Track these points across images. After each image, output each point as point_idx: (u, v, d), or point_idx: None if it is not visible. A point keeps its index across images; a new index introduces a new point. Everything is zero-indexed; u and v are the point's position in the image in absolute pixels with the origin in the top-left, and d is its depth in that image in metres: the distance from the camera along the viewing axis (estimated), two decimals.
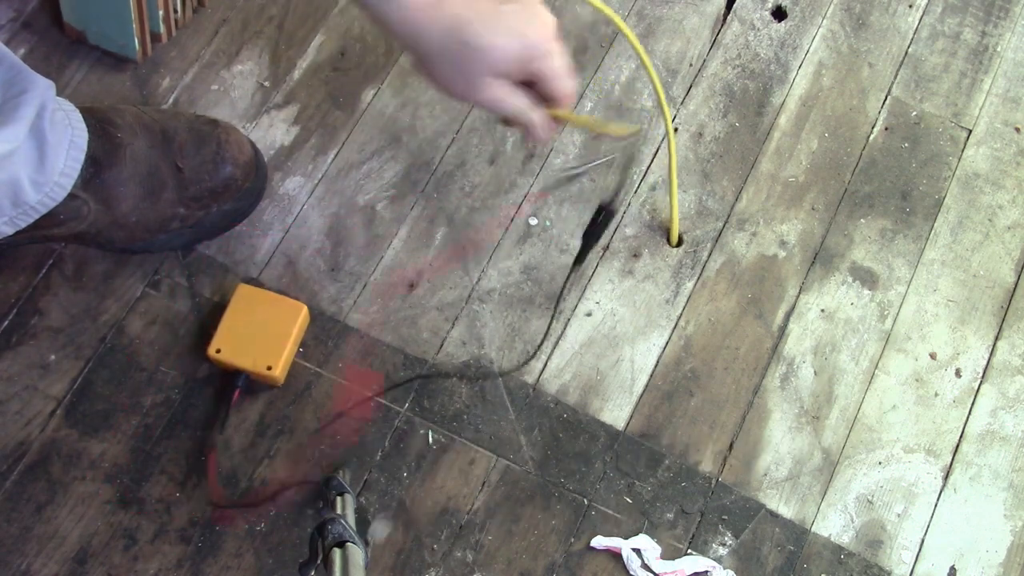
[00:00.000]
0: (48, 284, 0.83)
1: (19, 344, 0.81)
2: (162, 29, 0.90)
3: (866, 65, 0.97)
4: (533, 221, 0.89)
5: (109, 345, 0.82)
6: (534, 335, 0.85)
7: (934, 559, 0.81)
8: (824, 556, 0.81)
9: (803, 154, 0.93)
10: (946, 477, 0.84)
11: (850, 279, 0.89)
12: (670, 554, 0.80)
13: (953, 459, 0.85)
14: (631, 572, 0.78)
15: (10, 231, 0.75)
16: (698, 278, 0.88)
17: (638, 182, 0.91)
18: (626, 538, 0.79)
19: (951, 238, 0.92)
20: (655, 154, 0.92)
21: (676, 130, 0.93)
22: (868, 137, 0.94)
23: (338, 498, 0.72)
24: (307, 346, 0.83)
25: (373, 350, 0.83)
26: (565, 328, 0.86)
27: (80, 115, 0.76)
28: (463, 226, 0.88)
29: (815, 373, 0.86)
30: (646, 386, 0.84)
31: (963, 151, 0.95)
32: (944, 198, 0.93)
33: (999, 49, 0.99)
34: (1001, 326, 0.89)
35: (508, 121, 0.69)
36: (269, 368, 0.78)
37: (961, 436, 0.85)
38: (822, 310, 0.88)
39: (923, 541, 0.82)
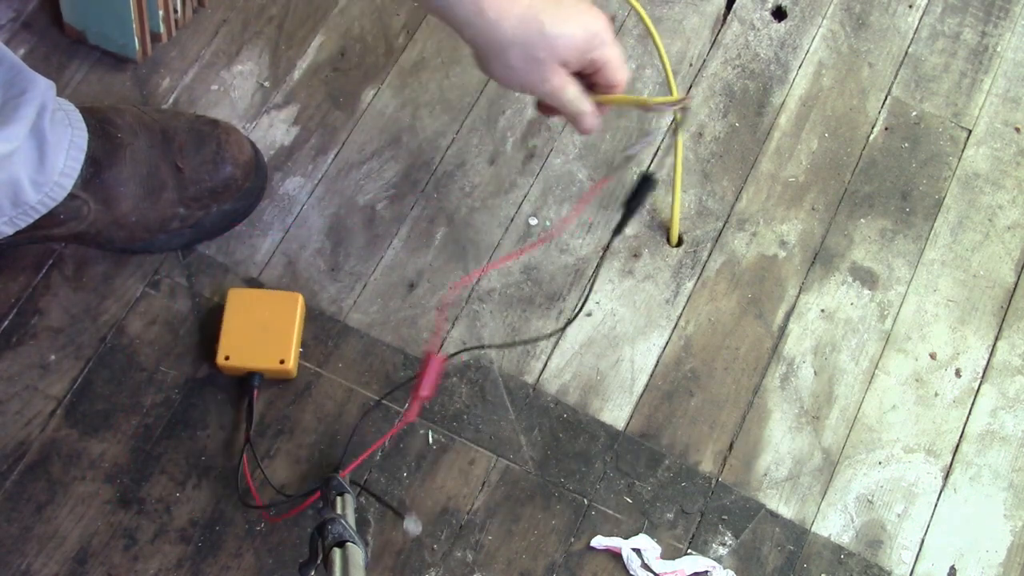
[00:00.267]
0: (48, 284, 0.83)
1: (19, 344, 0.81)
2: (162, 29, 0.90)
3: (866, 65, 0.97)
4: (533, 221, 0.89)
5: (109, 345, 0.82)
6: (534, 335, 0.85)
7: (934, 559, 0.81)
8: (824, 556, 0.81)
9: (803, 154, 0.93)
10: (946, 477, 0.84)
11: (850, 279, 0.89)
12: (670, 554, 0.80)
13: (953, 459, 0.85)
14: (631, 572, 0.78)
15: (10, 231, 0.75)
16: (698, 278, 0.88)
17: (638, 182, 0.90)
18: (626, 538, 0.79)
19: (951, 238, 0.92)
20: (655, 154, 0.92)
21: (676, 130, 0.93)
22: (868, 137, 0.94)
23: (338, 498, 0.72)
24: (307, 346, 0.83)
25: (373, 350, 0.83)
26: (565, 328, 0.85)
27: (80, 115, 0.76)
28: (463, 226, 0.88)
29: (815, 373, 0.86)
30: (646, 386, 0.84)
31: (963, 151, 0.95)
32: (944, 198, 0.93)
33: (999, 49, 0.99)
34: (1001, 326, 0.89)
35: (549, 109, 0.72)
36: (282, 362, 0.79)
37: (961, 436, 0.85)
38: (822, 310, 0.88)
39: (923, 541, 0.82)
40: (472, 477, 0.80)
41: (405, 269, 0.86)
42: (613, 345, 0.85)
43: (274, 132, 0.90)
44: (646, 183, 0.75)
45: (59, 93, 0.74)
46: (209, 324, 0.82)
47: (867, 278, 0.90)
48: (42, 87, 0.71)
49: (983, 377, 0.87)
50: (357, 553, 0.63)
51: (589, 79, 0.70)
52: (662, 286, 0.88)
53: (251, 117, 0.90)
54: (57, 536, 0.76)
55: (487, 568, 0.78)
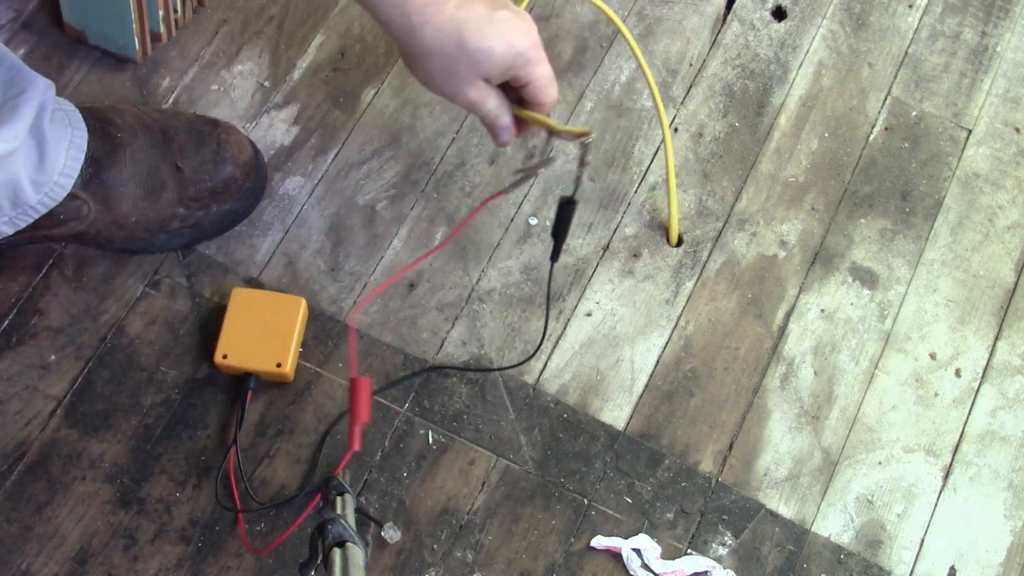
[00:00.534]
0: (48, 284, 0.83)
1: (19, 344, 0.81)
2: (162, 29, 0.90)
3: (866, 65, 0.97)
4: (533, 221, 0.89)
5: (109, 345, 0.82)
6: (534, 335, 0.85)
7: (934, 559, 0.81)
8: (824, 556, 0.81)
9: (803, 154, 0.93)
10: (946, 477, 0.84)
11: (850, 279, 0.89)
12: (670, 554, 0.80)
13: (953, 459, 0.85)
14: (631, 572, 0.78)
15: (10, 231, 0.75)
16: (698, 278, 0.88)
17: (638, 182, 0.91)
18: (626, 538, 0.79)
19: (951, 238, 0.92)
20: (655, 154, 0.92)
21: (676, 130, 0.93)
22: (868, 137, 0.94)
23: (338, 498, 0.72)
24: (307, 346, 0.83)
25: (373, 350, 0.83)
26: (565, 328, 0.86)
27: (80, 115, 0.76)
28: (463, 227, 0.88)
29: (815, 373, 0.86)
30: (646, 386, 0.84)
31: (963, 151, 0.95)
32: (944, 198, 0.93)
33: (999, 49, 0.99)
34: (1001, 326, 0.89)
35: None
36: (279, 365, 0.79)
37: (961, 436, 0.85)
38: (822, 310, 0.88)
39: (923, 541, 0.82)
40: (472, 477, 0.80)
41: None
42: (613, 345, 0.85)
43: (274, 132, 0.90)
44: (566, 208, 0.73)
45: (59, 93, 0.74)
46: (209, 324, 0.82)
47: (867, 278, 0.90)
48: (42, 87, 0.71)
49: (983, 377, 0.87)
50: (357, 553, 0.63)
51: (517, 92, 0.69)
52: (662, 286, 0.88)
53: (251, 117, 0.90)
54: (57, 536, 0.76)
55: (487, 568, 0.78)
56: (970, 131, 0.96)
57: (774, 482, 0.82)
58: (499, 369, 0.83)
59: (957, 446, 0.85)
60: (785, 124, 0.94)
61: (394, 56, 0.93)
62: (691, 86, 0.95)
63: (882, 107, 0.96)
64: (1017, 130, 0.96)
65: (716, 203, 0.91)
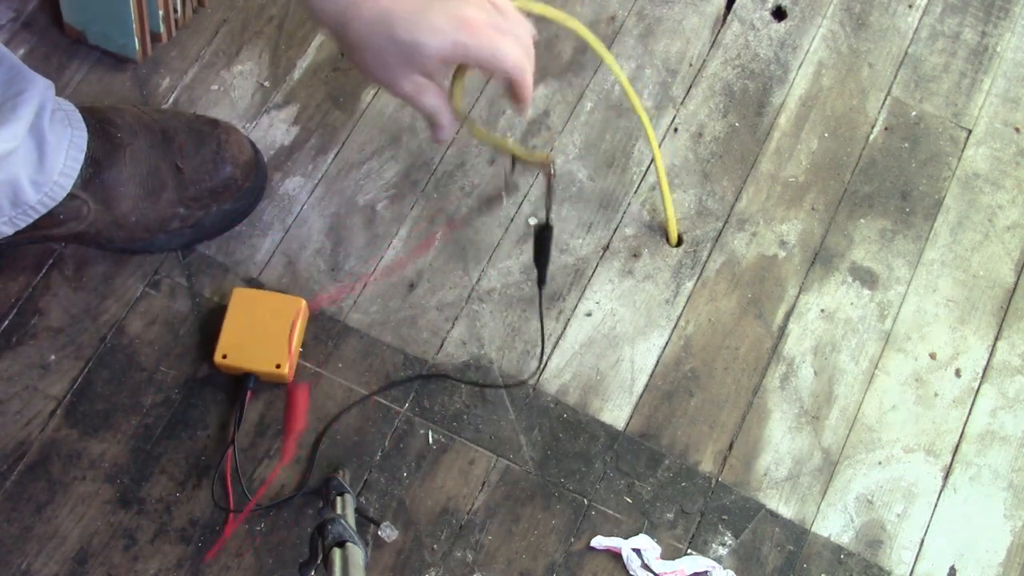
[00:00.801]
0: (48, 284, 0.83)
1: (19, 344, 0.81)
2: (162, 29, 0.90)
3: (866, 65, 0.97)
4: (533, 221, 0.89)
5: (109, 345, 0.82)
6: (534, 335, 0.85)
7: (934, 559, 0.81)
8: (824, 556, 0.81)
9: (803, 154, 0.93)
10: (946, 477, 0.84)
11: (850, 279, 0.89)
12: (670, 554, 0.80)
13: (953, 459, 0.85)
14: (631, 572, 0.78)
15: (10, 231, 0.75)
16: (698, 278, 0.88)
17: (638, 182, 0.91)
18: (626, 538, 0.79)
19: (951, 238, 0.92)
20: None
21: (676, 130, 0.93)
22: (868, 137, 0.94)
23: (338, 498, 0.72)
24: (307, 346, 0.83)
25: (373, 350, 0.83)
26: (565, 328, 0.86)
27: (80, 115, 0.76)
28: (463, 226, 0.88)
29: (815, 373, 0.86)
30: (646, 386, 0.84)
31: (963, 151, 0.95)
32: (944, 198, 0.93)
33: (999, 49, 0.99)
34: (1001, 326, 0.89)
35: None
36: (278, 366, 0.79)
37: (961, 436, 0.85)
38: (822, 310, 0.88)
39: (923, 541, 0.82)
40: (472, 477, 0.80)
41: (405, 269, 0.86)
42: (613, 345, 0.85)
43: (274, 132, 0.90)
44: (542, 234, 0.72)
45: (59, 93, 0.74)
46: (209, 324, 0.82)
47: (867, 278, 0.90)
48: (41, 87, 0.71)
49: (983, 377, 0.87)
50: (357, 553, 0.63)
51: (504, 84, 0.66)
52: (662, 286, 0.88)
53: (251, 117, 0.90)
54: (57, 536, 0.76)
55: (487, 568, 0.78)
56: (970, 131, 0.96)
57: (774, 482, 0.82)
58: (505, 386, 0.82)
59: (957, 446, 0.85)
60: (785, 124, 0.94)
61: None
62: (691, 86, 0.95)
63: (882, 107, 0.96)
64: (1017, 130, 0.96)
65: (716, 203, 0.91)
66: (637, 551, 0.79)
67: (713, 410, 0.84)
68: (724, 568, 0.79)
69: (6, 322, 0.82)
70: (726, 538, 0.80)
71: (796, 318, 0.88)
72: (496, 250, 0.88)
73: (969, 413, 0.86)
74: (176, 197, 0.80)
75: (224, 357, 0.79)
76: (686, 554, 0.80)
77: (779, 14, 0.99)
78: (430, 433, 0.81)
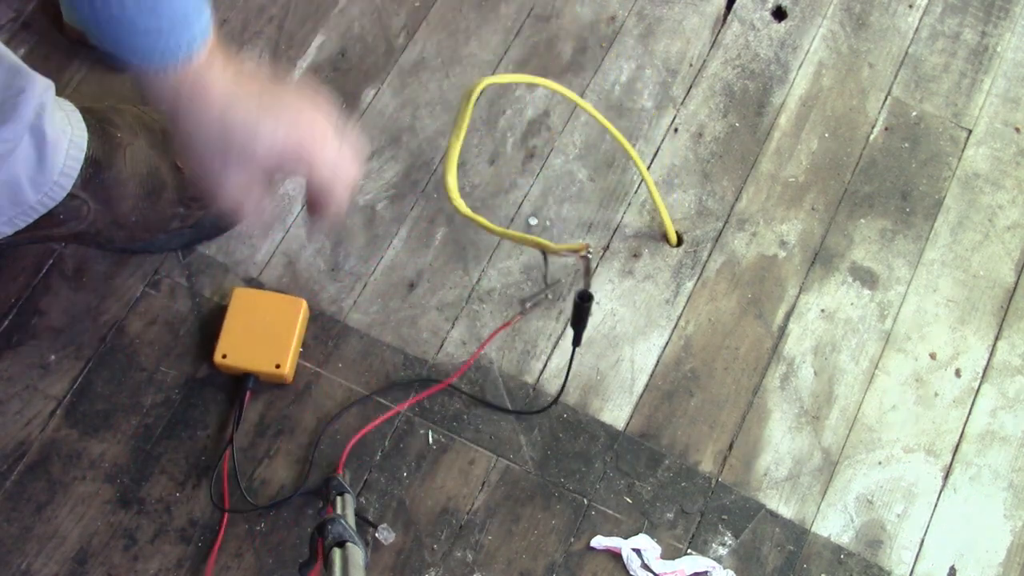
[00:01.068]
0: (48, 284, 0.83)
1: (19, 344, 0.81)
2: None
3: (866, 65, 0.97)
4: (533, 221, 0.89)
5: (109, 345, 0.82)
6: (534, 335, 0.85)
7: (934, 559, 0.81)
8: (824, 556, 0.81)
9: (803, 154, 0.93)
10: (946, 477, 0.84)
11: (850, 279, 0.89)
12: (670, 554, 0.80)
13: (953, 459, 0.85)
14: (631, 572, 0.78)
15: (9, 231, 0.75)
16: (698, 278, 0.88)
17: (638, 182, 0.91)
18: (626, 538, 0.79)
19: (951, 238, 0.92)
20: (655, 154, 0.92)
21: (676, 130, 0.93)
22: (868, 137, 0.94)
23: (338, 498, 0.72)
24: (307, 346, 0.83)
25: (373, 350, 0.83)
26: (565, 328, 0.85)
27: (80, 115, 0.76)
28: (463, 226, 0.88)
29: (815, 373, 0.86)
30: (646, 386, 0.84)
31: (963, 151, 0.95)
32: (944, 198, 0.93)
33: (999, 49, 0.99)
34: (1001, 326, 0.89)
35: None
36: (278, 367, 0.79)
37: (961, 436, 0.85)
38: (822, 310, 0.88)
39: (923, 541, 0.82)
40: (472, 477, 0.80)
41: (405, 269, 0.86)
42: (613, 345, 0.85)
43: None
44: (582, 303, 0.73)
45: (59, 93, 0.74)
46: (209, 324, 0.82)
47: (867, 278, 0.90)
48: (41, 87, 0.71)
49: (983, 377, 0.87)
50: (357, 553, 0.63)
51: None
52: (662, 286, 0.88)
53: None
54: (57, 536, 0.76)
55: (487, 568, 0.78)
56: (970, 131, 0.96)
57: (774, 482, 0.82)
58: (516, 412, 0.82)
59: (957, 446, 0.85)
60: (785, 124, 0.94)
61: (394, 56, 0.93)
62: (691, 86, 0.95)
63: (882, 107, 0.96)
64: (1017, 130, 0.96)
65: (716, 203, 0.91)
66: (637, 551, 0.79)
67: (713, 410, 0.84)
68: (724, 568, 0.79)
69: (6, 322, 0.82)
70: (726, 538, 0.80)
71: (796, 318, 0.88)
72: (496, 250, 0.88)
73: (969, 413, 0.86)
74: (176, 197, 0.80)
75: (224, 357, 0.79)
76: (686, 554, 0.80)
77: (779, 14, 0.99)
78: (430, 433, 0.81)
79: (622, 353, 0.85)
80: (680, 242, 0.89)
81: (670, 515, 0.81)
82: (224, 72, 0.61)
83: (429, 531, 0.79)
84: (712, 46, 0.97)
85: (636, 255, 0.88)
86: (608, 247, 0.88)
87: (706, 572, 0.79)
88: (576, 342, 0.76)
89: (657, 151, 0.92)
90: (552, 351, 0.85)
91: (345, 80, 0.92)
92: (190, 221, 0.82)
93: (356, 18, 0.95)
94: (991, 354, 0.88)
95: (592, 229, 0.89)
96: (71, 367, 0.81)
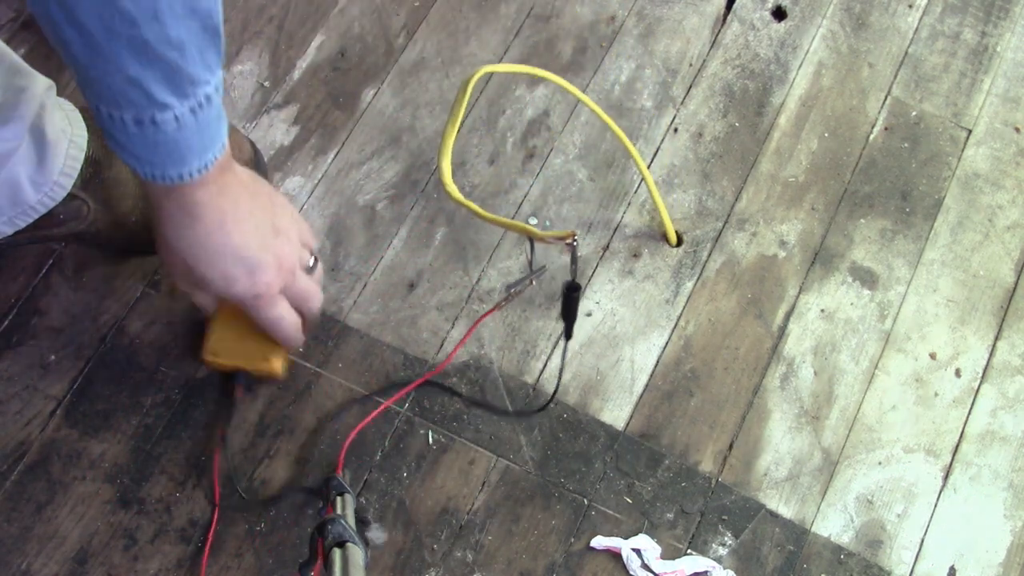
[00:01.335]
0: (48, 284, 0.83)
1: (19, 344, 0.81)
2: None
3: (866, 65, 0.97)
4: (533, 221, 0.89)
5: (109, 345, 0.82)
6: (534, 335, 0.85)
7: (934, 559, 0.81)
8: (824, 556, 0.81)
9: (803, 154, 0.93)
10: (946, 477, 0.84)
11: (850, 279, 0.89)
12: (670, 554, 0.80)
13: (953, 459, 0.85)
14: (631, 572, 0.78)
15: (9, 231, 0.74)
16: (698, 278, 0.88)
17: (638, 182, 0.91)
18: (626, 538, 0.79)
19: (951, 238, 0.92)
20: (655, 154, 0.92)
21: (676, 130, 0.93)
22: (868, 137, 0.94)
23: (338, 498, 0.72)
24: (307, 346, 0.83)
25: (373, 350, 0.83)
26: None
27: (80, 115, 0.76)
28: (463, 226, 0.88)
29: (815, 373, 0.86)
30: (646, 386, 0.84)
31: (963, 151, 0.95)
32: (944, 198, 0.93)
33: (999, 49, 0.99)
34: (1001, 326, 0.89)
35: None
36: (268, 361, 0.77)
37: (961, 436, 0.85)
38: (822, 310, 0.88)
39: (923, 541, 0.82)
40: (472, 477, 0.80)
41: (405, 269, 0.86)
42: (613, 345, 0.85)
43: (274, 132, 0.90)
44: (570, 293, 0.73)
45: (59, 93, 0.74)
46: (206, 325, 0.82)
47: (867, 278, 0.90)
48: (42, 87, 0.71)
49: (983, 377, 0.87)
50: (357, 553, 0.63)
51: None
52: (662, 286, 0.88)
53: (251, 117, 0.90)
54: (57, 536, 0.76)
55: (487, 568, 0.78)
56: (970, 131, 0.96)
57: (774, 482, 0.82)
58: (515, 414, 0.82)
59: (957, 446, 0.85)
60: (785, 124, 0.94)
61: (394, 56, 0.93)
62: (691, 86, 0.95)
63: (882, 107, 0.96)
64: (1017, 130, 0.96)
65: (716, 203, 0.91)
66: (637, 551, 0.79)
67: (713, 410, 0.84)
68: (724, 568, 0.79)
69: (6, 322, 0.82)
70: (726, 538, 0.80)
71: (796, 318, 0.88)
72: (496, 250, 0.88)
73: (969, 413, 0.86)
74: None
75: (214, 355, 0.76)
76: (686, 554, 0.80)
77: (779, 14, 0.99)
78: (430, 433, 0.81)
79: (622, 353, 0.85)
80: (680, 242, 0.89)
81: (670, 515, 0.81)
82: (221, 193, 0.63)
83: (429, 531, 0.79)
84: (712, 46, 0.97)
85: (636, 255, 0.88)
86: (608, 247, 0.88)
87: (706, 572, 0.79)
88: (567, 335, 0.76)
89: (657, 151, 0.92)
90: (552, 351, 0.85)
91: (345, 80, 0.92)
92: None
93: (356, 18, 0.95)
94: (991, 354, 0.88)
95: (592, 229, 0.89)
96: (71, 367, 0.81)
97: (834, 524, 0.82)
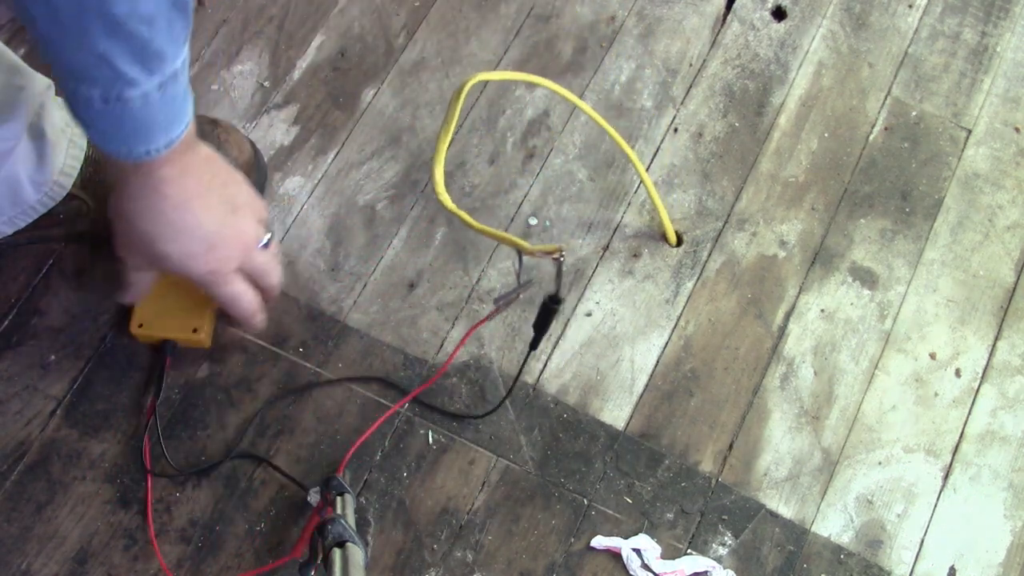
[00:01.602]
0: (48, 284, 0.83)
1: (19, 344, 0.81)
2: None
3: (866, 65, 0.97)
4: (533, 221, 0.89)
5: (109, 345, 0.82)
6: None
7: (934, 559, 0.81)
8: (824, 556, 0.81)
9: (803, 154, 0.93)
10: (946, 477, 0.84)
11: (850, 279, 0.89)
12: (670, 554, 0.80)
13: (953, 459, 0.85)
14: (631, 572, 0.78)
15: (9, 231, 0.75)
16: (698, 278, 0.88)
17: (638, 182, 0.91)
18: (626, 538, 0.79)
19: (951, 238, 0.92)
20: (655, 154, 0.92)
21: (676, 130, 0.93)
22: (868, 137, 0.94)
23: (338, 498, 0.72)
24: (307, 346, 0.83)
25: (373, 350, 0.83)
26: (565, 328, 0.86)
27: None
28: (463, 226, 0.88)
29: (815, 373, 0.86)
30: (646, 386, 0.84)
31: (963, 151, 0.95)
32: (944, 198, 0.93)
33: (999, 49, 0.99)
34: (1001, 326, 0.89)
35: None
36: (195, 331, 0.78)
37: (961, 436, 0.85)
38: (822, 310, 0.88)
39: (923, 541, 0.82)
40: (472, 477, 0.80)
41: (405, 269, 0.86)
42: (613, 345, 0.85)
43: (274, 132, 0.90)
44: (550, 306, 0.73)
45: (59, 93, 0.74)
46: None
47: (867, 278, 0.90)
48: (41, 86, 0.71)
49: (983, 377, 0.87)
50: (357, 553, 0.63)
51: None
52: (662, 286, 0.88)
53: (251, 117, 0.90)
54: (57, 536, 0.76)
55: (487, 568, 0.78)
56: (970, 131, 0.96)
57: (774, 482, 0.82)
58: (476, 416, 0.83)
59: (957, 446, 0.85)
60: (785, 124, 0.94)
61: (394, 56, 0.93)
62: (691, 86, 0.95)
63: (882, 107, 0.96)
64: (1017, 130, 0.96)
65: (716, 203, 0.91)
66: (637, 551, 0.79)
67: (713, 410, 0.84)
68: (724, 568, 0.79)
69: (6, 322, 0.82)
70: (726, 538, 0.80)
71: (796, 318, 0.88)
72: (496, 250, 0.87)
73: (969, 413, 0.86)
74: None
75: (140, 326, 0.78)
76: (686, 554, 0.80)
77: (779, 14, 0.99)
78: (430, 433, 0.81)
79: (622, 353, 0.85)
80: (680, 242, 0.89)
81: (670, 515, 0.81)
82: (184, 173, 0.63)
83: (429, 531, 0.79)
84: (712, 46, 0.97)
85: (636, 255, 0.88)
86: (608, 247, 0.88)
87: (706, 572, 0.79)
88: (534, 345, 0.76)
89: (657, 151, 0.92)
90: (552, 351, 0.85)
91: (345, 80, 0.92)
92: None
93: (356, 18, 0.95)
94: (991, 354, 0.88)
95: (592, 229, 0.89)
96: (71, 367, 0.81)
97: (834, 524, 0.82)
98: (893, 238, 0.91)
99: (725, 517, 0.81)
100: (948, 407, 0.86)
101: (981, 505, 0.83)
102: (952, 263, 0.91)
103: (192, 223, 0.65)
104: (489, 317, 0.77)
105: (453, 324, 0.85)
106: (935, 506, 0.83)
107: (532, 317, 0.85)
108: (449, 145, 0.78)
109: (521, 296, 0.83)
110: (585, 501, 0.80)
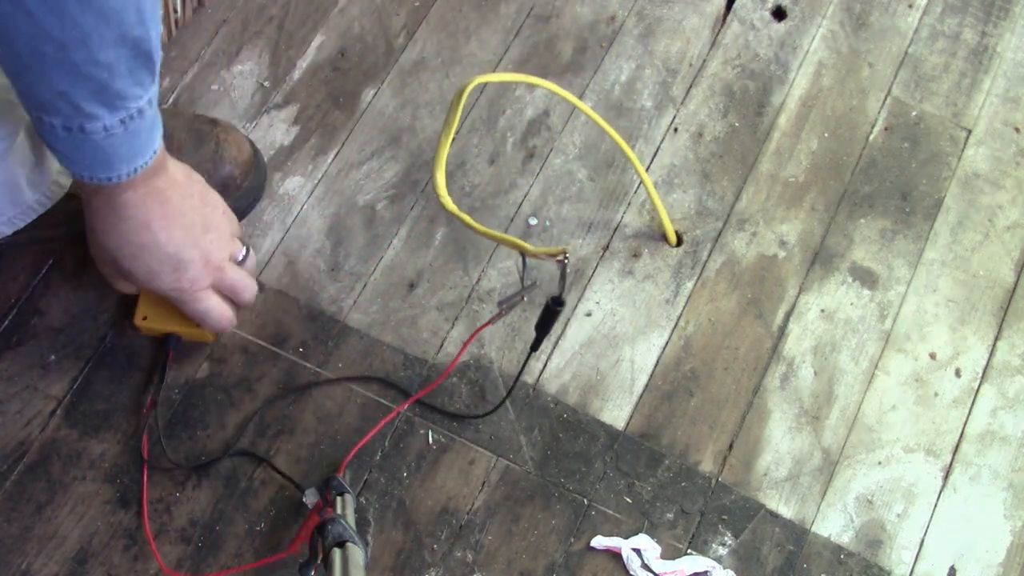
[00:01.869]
0: (48, 284, 0.83)
1: (19, 344, 0.81)
2: (162, 29, 0.90)
3: (866, 65, 0.97)
4: (533, 221, 0.89)
5: (109, 345, 0.82)
6: (534, 335, 0.85)
7: (934, 559, 0.81)
8: (824, 556, 0.81)
9: (803, 154, 0.93)
10: (946, 477, 0.84)
11: (850, 279, 0.89)
12: (670, 554, 0.80)
13: (953, 459, 0.85)
14: (631, 572, 0.78)
15: (8, 231, 0.74)
16: (698, 278, 0.88)
17: (638, 182, 0.91)
18: (626, 538, 0.79)
19: (951, 238, 0.92)
20: (655, 154, 0.92)
21: (676, 130, 0.93)
22: (868, 137, 0.94)
23: (338, 498, 0.72)
24: (307, 346, 0.83)
25: (373, 350, 0.83)
26: (565, 328, 0.86)
27: None
28: (463, 226, 0.88)
29: (815, 373, 0.86)
30: (646, 386, 0.84)
31: (963, 151, 0.95)
32: (944, 198, 0.93)
33: (999, 49, 0.99)
34: (1001, 326, 0.89)
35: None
36: (198, 326, 0.77)
37: (961, 436, 0.85)
38: (822, 310, 0.88)
39: (923, 541, 0.82)
40: (472, 477, 0.80)
41: (405, 269, 0.86)
42: (613, 345, 0.85)
43: (274, 132, 0.90)
44: (552, 308, 0.73)
45: None
46: None
47: (867, 278, 0.90)
48: None
49: (983, 377, 0.87)
50: (357, 553, 0.63)
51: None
52: (662, 286, 0.88)
53: (251, 117, 0.90)
54: (57, 536, 0.76)
55: (487, 568, 0.78)
56: (970, 131, 0.96)
57: (774, 482, 0.82)
58: (475, 416, 0.83)
59: (957, 446, 0.85)
60: (785, 124, 0.94)
61: (394, 56, 0.93)
62: (691, 86, 0.95)
63: (882, 107, 0.96)
64: (1017, 130, 0.96)
65: (716, 203, 0.91)
66: (637, 551, 0.79)
67: (713, 410, 0.84)
68: (724, 568, 0.79)
69: (6, 322, 0.82)
70: (726, 538, 0.80)
71: (796, 318, 0.88)
72: (496, 250, 0.87)
73: (969, 413, 0.86)
74: None
75: (144, 319, 0.77)
76: (686, 554, 0.80)
77: (779, 14, 0.99)
78: (430, 433, 0.81)
79: (622, 353, 0.85)
80: (680, 242, 0.89)
81: (670, 515, 0.81)
82: (150, 194, 0.64)
83: (429, 531, 0.79)
84: (712, 46, 0.97)
85: (636, 255, 0.88)
86: (608, 247, 0.88)
87: (706, 572, 0.79)
88: (535, 346, 0.76)
89: (657, 151, 0.92)
90: (552, 351, 0.85)
91: (345, 80, 0.92)
92: None
93: (356, 18, 0.95)
94: (991, 354, 0.88)
95: (592, 229, 0.89)
96: (71, 367, 0.81)
97: (834, 524, 0.82)
98: (893, 238, 0.91)
99: (725, 517, 0.81)
100: (948, 407, 0.86)
101: (981, 505, 0.83)
102: (952, 263, 0.91)
103: (155, 245, 0.66)
104: (493, 320, 0.77)
105: (453, 324, 0.85)
106: (935, 506, 0.83)
107: (533, 318, 0.85)
108: (449, 148, 0.78)
109: (525, 298, 0.83)
110: (585, 501, 0.80)
